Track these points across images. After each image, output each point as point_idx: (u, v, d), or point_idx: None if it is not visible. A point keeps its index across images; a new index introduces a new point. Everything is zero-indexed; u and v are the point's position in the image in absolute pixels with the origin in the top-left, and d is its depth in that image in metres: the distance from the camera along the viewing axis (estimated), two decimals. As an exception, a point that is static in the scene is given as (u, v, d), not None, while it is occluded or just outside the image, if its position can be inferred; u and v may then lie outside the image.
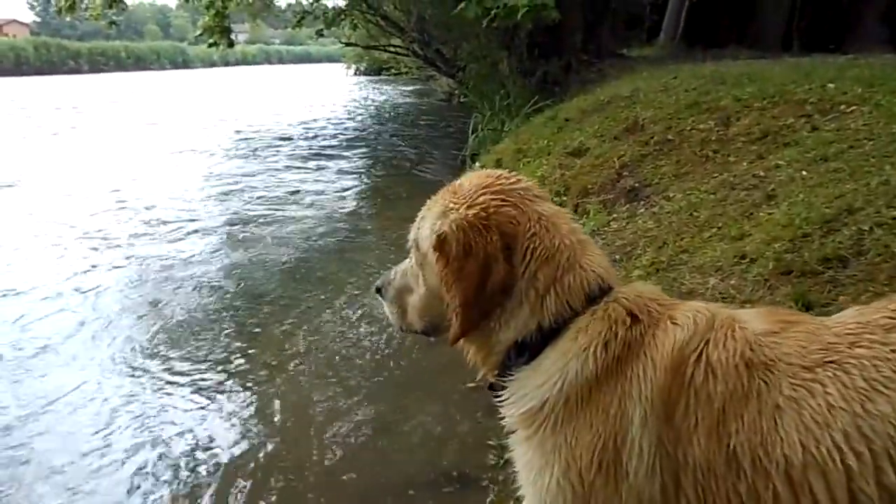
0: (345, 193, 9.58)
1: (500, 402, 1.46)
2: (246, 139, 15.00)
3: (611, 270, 1.50)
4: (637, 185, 5.54)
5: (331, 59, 78.99)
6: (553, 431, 1.33)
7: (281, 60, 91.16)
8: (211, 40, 15.13)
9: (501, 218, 1.43)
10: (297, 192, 9.51)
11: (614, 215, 5.24)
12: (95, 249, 6.79)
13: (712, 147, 5.40)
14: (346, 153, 13.11)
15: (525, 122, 9.73)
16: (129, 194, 9.26)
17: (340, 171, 11.20)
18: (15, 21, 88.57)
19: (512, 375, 1.43)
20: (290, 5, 16.90)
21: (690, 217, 4.43)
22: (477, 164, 9.05)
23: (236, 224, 7.76)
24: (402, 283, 1.67)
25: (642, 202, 5.23)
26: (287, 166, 11.55)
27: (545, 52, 11.82)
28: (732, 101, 6.00)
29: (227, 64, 69.78)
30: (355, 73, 42.54)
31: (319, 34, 18.50)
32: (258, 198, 9.09)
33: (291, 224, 7.76)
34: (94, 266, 6.27)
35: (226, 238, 7.21)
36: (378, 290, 1.73)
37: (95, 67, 61.72)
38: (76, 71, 57.98)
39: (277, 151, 13.24)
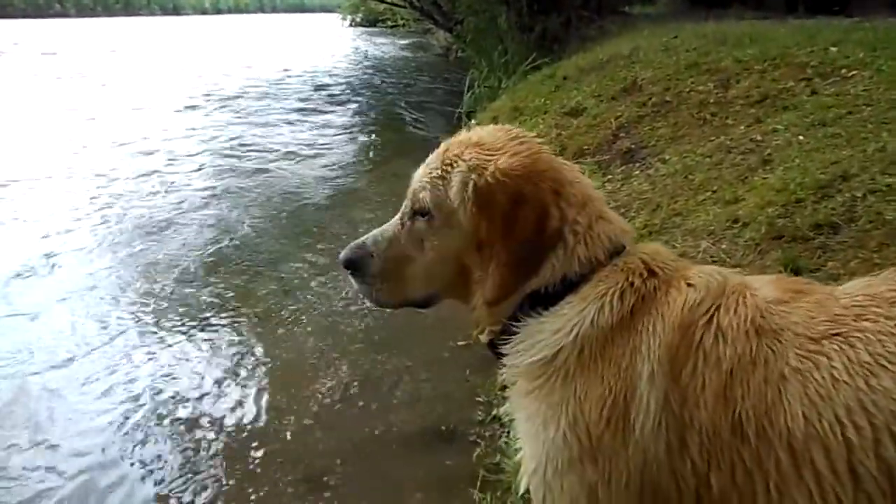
0: (337, 148, 9.47)
1: (503, 352, 1.43)
2: (237, 91, 14.72)
3: (628, 225, 1.50)
4: (633, 146, 5.50)
5: (325, 8, 76.99)
6: (563, 383, 1.32)
7: (275, 9, 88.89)
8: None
9: (544, 165, 1.41)
10: (289, 145, 9.40)
11: (609, 177, 5.21)
12: (87, 200, 6.74)
13: (710, 109, 5.34)
14: (339, 107, 12.91)
15: (522, 80, 9.58)
16: (123, 146, 9.14)
17: (333, 125, 11.05)
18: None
19: (519, 326, 1.40)
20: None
21: (685, 180, 4.41)
22: (473, 121, 8.94)
23: (226, 177, 7.68)
24: (397, 253, 1.53)
25: (638, 164, 5.20)
26: (279, 119, 11.36)
27: (545, 8, 11.57)
28: (733, 62, 5.92)
29: (218, 12, 68.06)
30: (350, 25, 41.54)
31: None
32: (249, 151, 8.98)
33: (283, 178, 7.70)
34: (81, 217, 6.23)
35: (217, 191, 7.14)
36: (351, 265, 1.54)
37: (83, 12, 60.02)
38: (63, 15, 56.36)
39: (269, 104, 13.01)
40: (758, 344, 1.22)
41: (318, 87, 15.38)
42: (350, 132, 10.82)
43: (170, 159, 8.45)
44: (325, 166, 8.38)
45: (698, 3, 12.94)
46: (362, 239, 1.56)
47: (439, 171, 1.47)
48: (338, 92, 15.00)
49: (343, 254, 1.56)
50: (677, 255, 1.48)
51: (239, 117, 11.58)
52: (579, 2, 11.90)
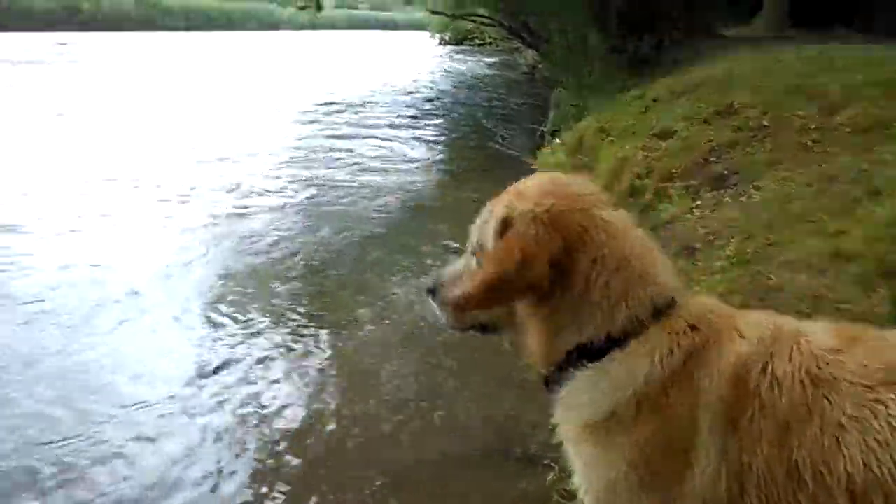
0: (421, 163, 9.64)
1: (557, 402, 1.50)
2: (327, 104, 15.24)
3: (677, 280, 1.50)
4: (725, 171, 5.30)
5: (416, 26, 78.61)
6: (619, 435, 1.37)
7: (367, 26, 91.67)
8: (301, 3, 15.36)
9: (567, 221, 1.43)
10: (378, 158, 9.64)
11: (698, 202, 5.04)
12: (177, 204, 7.12)
13: (812, 136, 5.09)
14: (424, 123, 13.15)
15: (610, 101, 9.44)
16: (210, 153, 9.64)
17: (418, 140, 11.26)
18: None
19: (568, 376, 1.45)
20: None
21: (782, 209, 4.21)
22: (557, 140, 8.89)
23: (313, 188, 7.95)
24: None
25: (729, 190, 5.00)
26: (369, 133, 11.67)
27: (637, 28, 11.36)
28: (839, 87, 5.62)
29: (313, 27, 70.64)
30: (440, 43, 42.29)
31: (408, 1, 18.43)
32: (336, 163, 9.26)
33: (368, 191, 7.88)
34: (169, 223, 6.57)
35: (303, 202, 7.41)
36: (430, 292, 1.70)
37: (190, 26, 63.89)
38: (172, 28, 60.18)
39: (360, 118, 13.40)
40: (814, 394, 1.26)
41: (408, 104, 15.73)
42: (437, 147, 11.00)
43: (262, 170, 8.82)
44: (412, 180, 8.54)
45: (800, 25, 12.38)
46: (442, 269, 1.73)
47: (489, 212, 1.56)
48: (426, 108, 15.28)
49: (427, 281, 1.73)
50: (726, 305, 1.50)
51: (330, 130, 11.98)
52: (674, 22, 11.63)
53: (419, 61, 29.60)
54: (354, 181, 8.26)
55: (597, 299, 1.40)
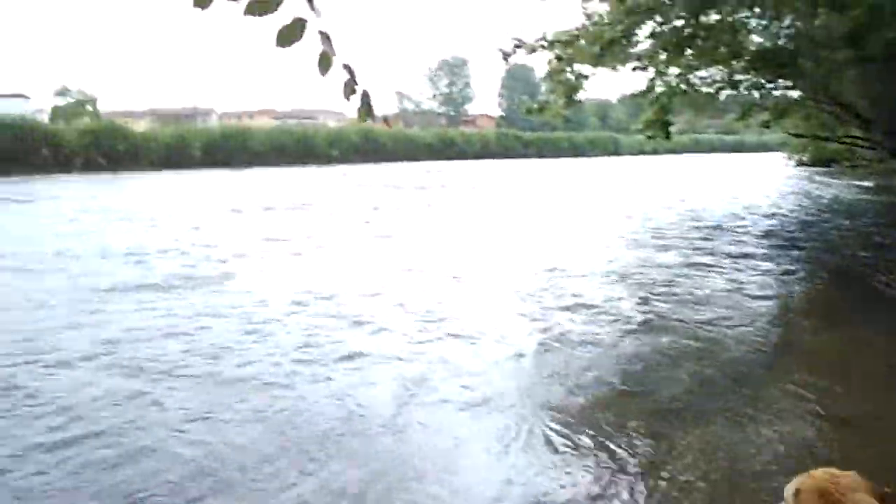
0: (777, 300, 8.59)
1: None
2: (670, 228, 14.94)
3: None
4: None
5: (766, 147, 74.54)
6: None
7: (712, 149, 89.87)
8: (649, 133, 15.72)
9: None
10: (719, 291, 8.90)
11: None
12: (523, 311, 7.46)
13: None
14: (780, 252, 11.88)
15: None
16: (537, 265, 10.03)
17: (773, 273, 10.13)
18: (485, 115, 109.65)
19: None
20: (733, 97, 16.44)
21: None
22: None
23: (645, 320, 7.54)
24: None
25: None
26: (710, 261, 10.95)
27: None
28: None
29: (654, 152, 71.92)
30: (796, 165, 38.94)
31: (766, 126, 17.51)
32: (669, 295, 8.72)
33: (709, 327, 7.23)
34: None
35: (628, 323, 7.11)
36: None
37: (539, 153, 71.52)
38: (524, 156, 67.79)
39: (702, 245, 12.76)
40: None
41: (757, 231, 14.53)
42: (793, 282, 9.77)
43: (584, 289, 8.83)
44: (760, 318, 7.62)
45: None
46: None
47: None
48: (780, 236, 13.91)
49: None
50: None
51: (668, 254, 11.63)
52: None
53: (771, 184, 27.49)
54: (686, 318, 7.63)
55: None
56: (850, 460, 2.42)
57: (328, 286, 8.83)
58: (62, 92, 67.25)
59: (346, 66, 2.01)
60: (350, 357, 6.03)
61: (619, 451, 4.27)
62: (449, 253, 11.99)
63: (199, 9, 2.43)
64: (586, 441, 4.41)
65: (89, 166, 42.22)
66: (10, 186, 24.79)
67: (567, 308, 7.86)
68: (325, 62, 1.96)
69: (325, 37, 1.91)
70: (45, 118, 55.11)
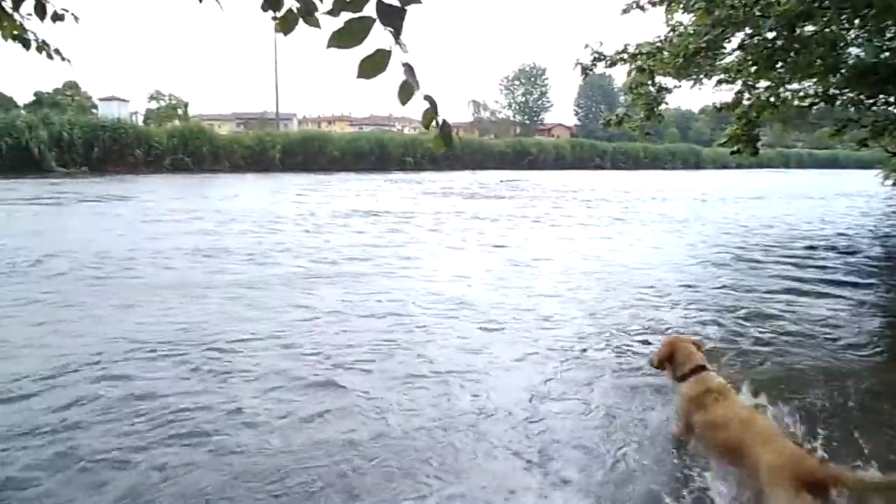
0: (868, 333, 8.01)
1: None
2: (745, 249, 14.27)
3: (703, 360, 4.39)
4: None
5: (861, 164, 70.20)
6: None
7: (801, 164, 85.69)
8: (734, 148, 15.04)
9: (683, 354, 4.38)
10: (807, 319, 8.38)
11: None
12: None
13: None
14: (873, 281, 11.11)
15: None
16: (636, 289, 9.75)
17: (866, 303, 9.47)
18: (560, 125, 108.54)
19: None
20: (828, 110, 15.55)
21: None
22: None
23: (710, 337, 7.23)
24: None
25: None
26: (792, 287, 10.31)
27: None
28: None
29: (738, 166, 69.13)
30: (893, 184, 36.45)
31: (863, 144, 16.42)
32: (751, 325, 8.24)
33: (797, 356, 6.81)
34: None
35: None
36: None
37: (615, 164, 69.87)
38: (600, 167, 66.45)
39: (784, 268, 12.09)
40: None
41: (847, 256, 13.66)
42: (889, 315, 9.10)
43: (651, 319, 8.51)
44: (844, 350, 7.11)
45: None
46: None
47: None
48: (874, 263, 13.02)
49: None
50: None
51: (736, 274, 11.09)
52: None
53: (865, 204, 25.85)
54: (773, 341, 7.25)
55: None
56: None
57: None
58: (155, 96, 71.08)
59: (428, 98, 1.97)
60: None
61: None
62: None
63: (282, 35, 2.46)
64: None
65: (176, 166, 44.38)
66: (114, 185, 26.51)
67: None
68: (406, 92, 1.93)
69: (409, 68, 1.87)
70: (139, 120, 58.37)
